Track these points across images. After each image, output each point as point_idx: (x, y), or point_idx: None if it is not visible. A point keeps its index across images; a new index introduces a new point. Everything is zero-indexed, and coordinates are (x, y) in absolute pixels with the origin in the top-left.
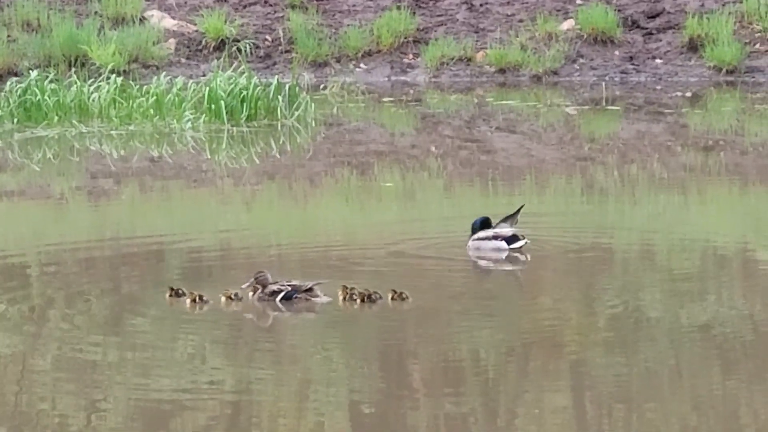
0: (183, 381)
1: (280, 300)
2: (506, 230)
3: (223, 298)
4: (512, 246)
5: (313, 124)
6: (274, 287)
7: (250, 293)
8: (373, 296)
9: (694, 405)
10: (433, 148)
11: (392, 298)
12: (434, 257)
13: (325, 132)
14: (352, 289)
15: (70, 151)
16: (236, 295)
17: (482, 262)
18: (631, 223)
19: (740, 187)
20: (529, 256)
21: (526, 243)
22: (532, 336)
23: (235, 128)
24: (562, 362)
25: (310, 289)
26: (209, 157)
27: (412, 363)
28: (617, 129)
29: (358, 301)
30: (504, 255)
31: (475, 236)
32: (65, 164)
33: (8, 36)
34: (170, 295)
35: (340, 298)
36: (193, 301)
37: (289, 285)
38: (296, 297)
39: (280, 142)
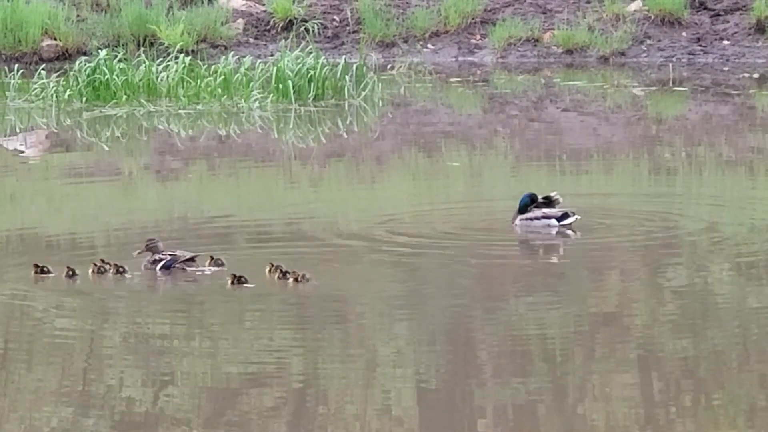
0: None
1: (160, 269)
2: (555, 210)
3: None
4: (563, 223)
5: (380, 104)
6: (157, 256)
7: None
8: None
9: (762, 387)
10: (500, 129)
11: (296, 280)
12: (501, 236)
13: (393, 112)
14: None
15: (138, 130)
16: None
17: (547, 242)
18: (698, 203)
19: None
20: (579, 233)
21: (576, 219)
22: (599, 316)
23: (302, 108)
24: (629, 343)
25: (191, 260)
26: (277, 136)
27: (479, 342)
28: (684, 110)
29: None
30: (554, 231)
31: (523, 216)
32: (133, 143)
33: (77, 16)
34: (36, 272)
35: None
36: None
37: (169, 254)
38: (174, 267)
39: (348, 122)
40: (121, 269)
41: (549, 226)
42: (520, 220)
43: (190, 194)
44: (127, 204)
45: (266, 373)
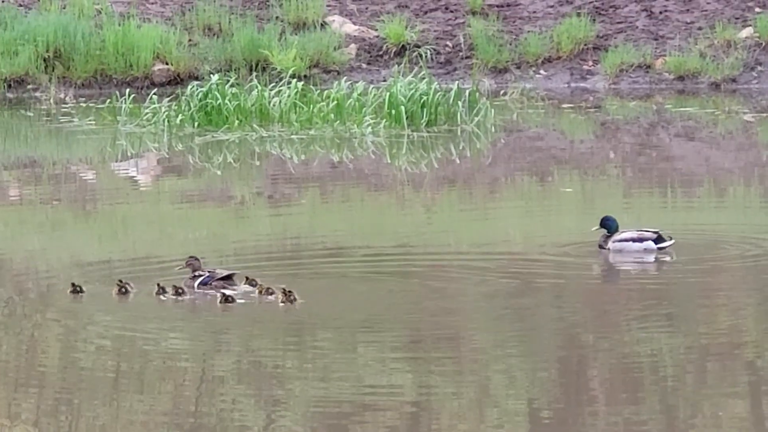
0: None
1: (198, 285)
2: (650, 231)
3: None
4: (660, 246)
5: (493, 130)
6: (197, 272)
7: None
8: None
9: None
10: (612, 155)
11: (281, 302)
12: (614, 261)
13: (505, 138)
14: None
15: (250, 155)
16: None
17: (654, 268)
18: None
19: None
20: (675, 256)
21: (673, 243)
22: (710, 341)
23: (415, 133)
24: (740, 368)
25: (227, 277)
26: (389, 162)
27: (591, 368)
28: None
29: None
30: (652, 257)
31: (617, 237)
32: (246, 168)
33: (189, 40)
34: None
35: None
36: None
37: (207, 271)
38: (212, 283)
39: (460, 147)
40: (180, 290)
41: (646, 250)
42: (614, 242)
43: (302, 220)
44: (239, 230)
45: (378, 398)
